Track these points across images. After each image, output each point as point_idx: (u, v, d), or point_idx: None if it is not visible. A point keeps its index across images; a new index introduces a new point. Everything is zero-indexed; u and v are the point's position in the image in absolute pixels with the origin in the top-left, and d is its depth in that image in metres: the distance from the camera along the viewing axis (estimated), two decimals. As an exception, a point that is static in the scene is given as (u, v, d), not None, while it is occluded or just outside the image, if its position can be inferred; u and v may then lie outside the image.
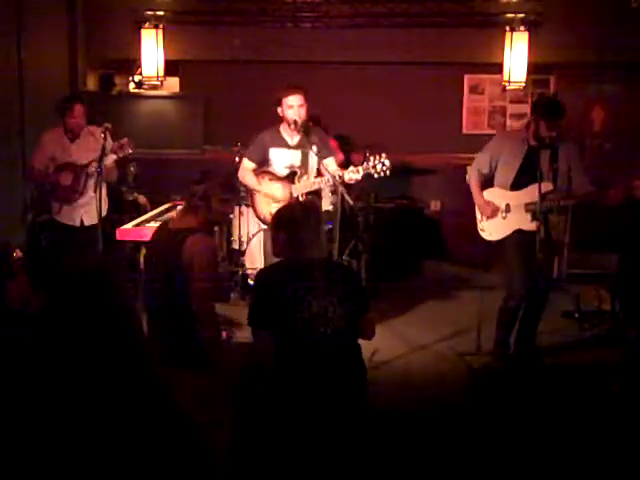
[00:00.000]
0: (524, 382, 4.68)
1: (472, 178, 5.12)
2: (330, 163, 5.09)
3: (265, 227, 5.33)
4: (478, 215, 5.17)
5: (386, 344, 5.33)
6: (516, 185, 4.95)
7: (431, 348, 5.51)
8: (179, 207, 5.49)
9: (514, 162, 4.94)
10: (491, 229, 5.08)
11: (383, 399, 4.63)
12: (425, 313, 6.27)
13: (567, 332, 5.74)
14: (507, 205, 5.00)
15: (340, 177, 4.85)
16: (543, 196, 4.72)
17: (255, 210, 5.33)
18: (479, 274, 6.99)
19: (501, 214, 5.02)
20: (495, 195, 5.07)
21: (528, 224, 4.89)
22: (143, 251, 5.24)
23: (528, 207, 4.88)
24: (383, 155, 4.76)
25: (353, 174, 4.83)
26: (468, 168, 5.19)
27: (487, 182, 5.14)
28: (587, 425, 4.19)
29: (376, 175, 4.81)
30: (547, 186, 4.77)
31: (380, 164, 4.75)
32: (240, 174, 5.27)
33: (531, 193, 4.83)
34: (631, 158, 6.68)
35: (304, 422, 3.17)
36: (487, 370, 5.03)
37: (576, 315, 5.98)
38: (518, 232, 4.96)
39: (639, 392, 4.51)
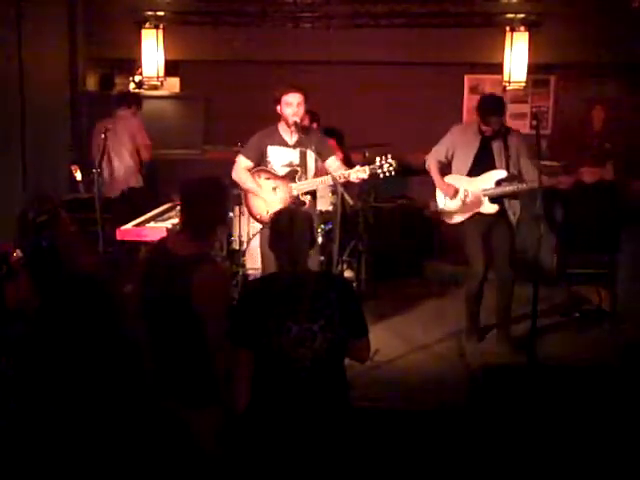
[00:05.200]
0: (524, 382, 4.68)
1: (431, 166, 5.52)
2: (332, 163, 5.10)
3: (261, 226, 5.32)
4: (439, 200, 5.56)
5: (386, 344, 5.34)
6: (472, 173, 5.38)
7: (431, 348, 5.52)
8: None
9: (469, 152, 5.36)
10: (452, 213, 5.49)
11: (383, 399, 4.64)
12: (425, 313, 6.27)
13: (567, 332, 5.75)
14: (466, 191, 5.40)
15: (344, 177, 4.88)
16: (498, 182, 5.27)
17: (250, 209, 5.28)
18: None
19: (461, 198, 5.41)
20: (455, 181, 5.46)
21: (487, 207, 5.33)
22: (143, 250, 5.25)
23: (485, 192, 5.32)
24: (389, 155, 4.87)
25: (360, 173, 4.89)
26: (426, 157, 5.58)
27: (446, 170, 5.55)
28: (587, 425, 4.19)
29: (382, 175, 4.90)
30: (501, 173, 5.27)
31: (387, 164, 4.86)
32: (235, 173, 5.20)
33: (487, 179, 5.31)
34: (631, 158, 6.67)
35: (279, 456, 2.93)
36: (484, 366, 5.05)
37: (576, 315, 5.98)
38: (477, 215, 5.39)
39: (639, 392, 4.51)
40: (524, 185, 5.22)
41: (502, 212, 5.35)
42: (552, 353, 5.22)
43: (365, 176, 4.89)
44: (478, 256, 5.36)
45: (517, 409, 4.37)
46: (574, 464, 3.87)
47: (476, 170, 5.35)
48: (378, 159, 4.87)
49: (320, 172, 5.16)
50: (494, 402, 4.52)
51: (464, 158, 5.38)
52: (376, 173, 4.88)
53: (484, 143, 5.32)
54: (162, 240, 3.34)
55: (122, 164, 6.94)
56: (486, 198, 5.32)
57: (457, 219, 5.48)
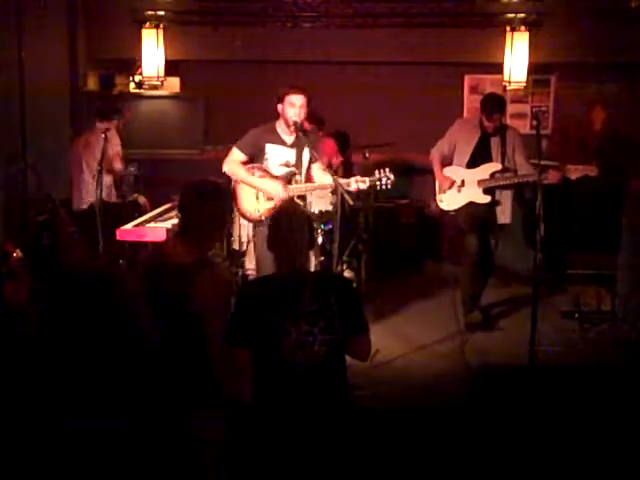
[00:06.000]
0: (524, 382, 4.68)
1: (434, 158, 5.97)
2: (315, 168, 5.16)
3: (248, 224, 5.38)
4: (437, 189, 5.97)
5: (386, 344, 5.34)
6: (471, 164, 5.84)
7: (431, 348, 5.52)
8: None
9: (469, 146, 5.85)
10: (448, 200, 5.93)
11: (383, 398, 4.65)
12: (425, 313, 6.28)
13: (567, 332, 5.75)
14: (462, 180, 5.85)
15: (345, 185, 4.93)
16: (492, 174, 5.75)
17: (239, 206, 5.21)
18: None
19: (457, 187, 5.86)
20: (453, 172, 5.91)
21: (480, 197, 5.78)
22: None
23: (480, 183, 5.76)
24: (387, 169, 5.02)
25: (361, 184, 4.98)
26: (432, 150, 6.00)
27: (447, 162, 5.98)
28: (587, 425, 4.19)
29: (379, 187, 5.06)
30: (496, 166, 5.75)
31: (385, 178, 5.02)
32: (227, 166, 5.12)
33: (483, 171, 5.78)
34: (630, 158, 6.68)
35: (280, 457, 2.92)
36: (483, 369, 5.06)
37: (576, 315, 5.98)
38: (471, 204, 5.83)
39: (639, 392, 4.52)
40: (516, 178, 5.69)
41: (492, 204, 5.82)
42: (552, 353, 5.22)
43: (365, 187, 5.02)
44: (472, 235, 5.86)
45: (517, 409, 4.37)
46: (574, 464, 3.87)
47: (474, 162, 5.82)
48: (377, 172, 5.01)
49: (308, 174, 5.18)
50: (494, 402, 4.53)
51: (464, 151, 5.85)
52: (374, 185, 5.03)
53: (483, 138, 5.82)
54: (160, 245, 3.34)
55: (92, 176, 6.49)
56: (480, 188, 5.76)
57: (453, 206, 5.91)
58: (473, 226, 5.88)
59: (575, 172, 5.49)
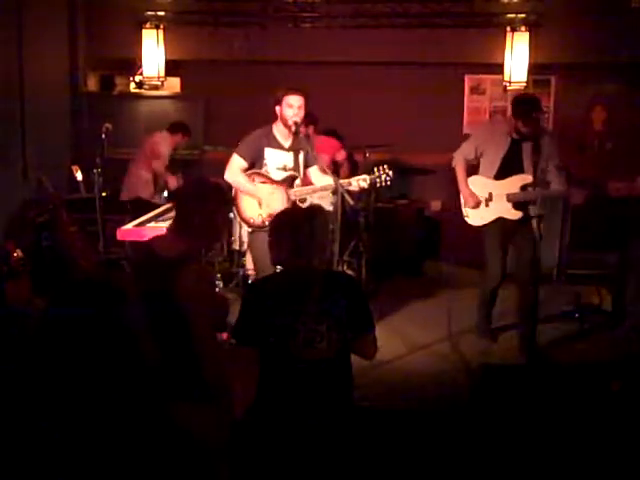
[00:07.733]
0: (524, 382, 4.68)
1: (458, 165, 5.39)
2: (313, 171, 5.14)
3: (250, 230, 5.11)
4: (462, 202, 5.43)
5: (386, 344, 5.32)
6: (499, 175, 5.24)
7: (431, 348, 5.51)
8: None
9: (498, 154, 5.21)
10: (475, 215, 5.37)
11: (383, 399, 4.64)
12: (425, 313, 6.27)
13: (567, 332, 5.74)
14: (490, 194, 5.28)
15: (346, 185, 4.95)
16: (523, 187, 5.12)
17: (240, 213, 5.08)
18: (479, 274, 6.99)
19: (484, 202, 5.31)
20: (479, 183, 5.34)
21: (510, 213, 5.21)
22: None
23: (509, 197, 5.18)
24: (386, 166, 5.00)
25: (362, 182, 4.98)
26: (454, 154, 5.43)
27: (472, 170, 5.42)
28: (587, 425, 4.19)
29: (379, 185, 5.06)
30: (527, 178, 5.08)
31: (384, 174, 5.01)
32: (230, 174, 4.98)
33: (513, 184, 5.17)
34: (631, 158, 6.68)
35: (283, 454, 2.93)
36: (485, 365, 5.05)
37: (576, 315, 5.98)
38: (500, 220, 5.27)
39: (639, 391, 4.51)
40: (549, 192, 5.15)
41: (526, 218, 5.20)
42: (552, 353, 5.22)
43: (366, 185, 5.01)
44: (496, 261, 5.29)
45: (517, 409, 4.37)
46: (574, 463, 3.87)
47: (503, 172, 5.20)
48: (376, 169, 5.02)
49: (305, 178, 5.17)
50: (494, 402, 4.52)
51: (492, 159, 5.24)
52: (375, 182, 5.03)
53: (514, 145, 5.17)
54: (148, 241, 3.32)
55: (133, 172, 7.06)
56: (510, 203, 5.20)
57: (480, 222, 5.36)
58: (499, 247, 5.31)
59: (617, 191, 5.10)
